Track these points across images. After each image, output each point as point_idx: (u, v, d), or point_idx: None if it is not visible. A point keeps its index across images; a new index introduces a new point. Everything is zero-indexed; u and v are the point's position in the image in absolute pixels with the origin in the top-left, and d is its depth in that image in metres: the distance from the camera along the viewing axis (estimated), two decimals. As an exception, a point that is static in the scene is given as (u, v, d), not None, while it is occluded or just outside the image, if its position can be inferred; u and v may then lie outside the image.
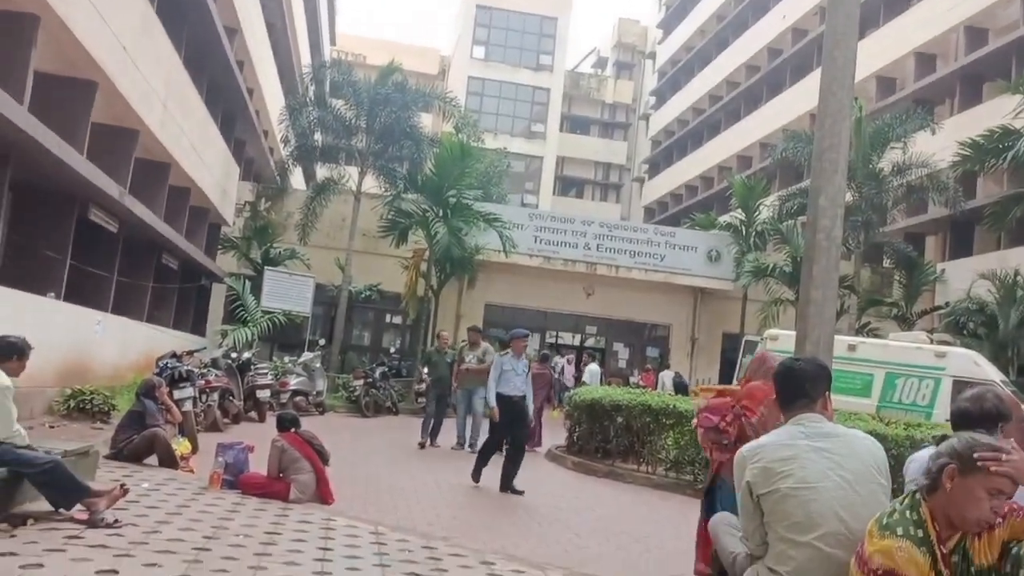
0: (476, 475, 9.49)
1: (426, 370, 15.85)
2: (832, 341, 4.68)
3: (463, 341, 14.10)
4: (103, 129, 12.66)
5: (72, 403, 10.52)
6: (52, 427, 9.72)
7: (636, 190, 50.59)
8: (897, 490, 3.38)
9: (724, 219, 26.96)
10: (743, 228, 24.85)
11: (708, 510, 4.45)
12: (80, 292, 12.56)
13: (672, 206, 43.93)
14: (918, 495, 2.54)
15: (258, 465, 7.37)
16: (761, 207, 25.14)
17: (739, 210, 25.53)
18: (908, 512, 2.51)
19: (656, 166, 47.98)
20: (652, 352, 28.00)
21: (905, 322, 22.64)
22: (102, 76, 11.44)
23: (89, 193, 11.92)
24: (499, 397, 9.48)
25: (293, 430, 7.29)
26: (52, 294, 11.24)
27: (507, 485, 9.18)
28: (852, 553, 2.84)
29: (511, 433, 9.47)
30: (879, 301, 23.55)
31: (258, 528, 5.70)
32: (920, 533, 2.46)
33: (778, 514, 3.03)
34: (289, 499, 6.78)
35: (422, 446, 12.67)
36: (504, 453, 9.58)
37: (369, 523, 6.39)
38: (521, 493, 9.11)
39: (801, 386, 3.26)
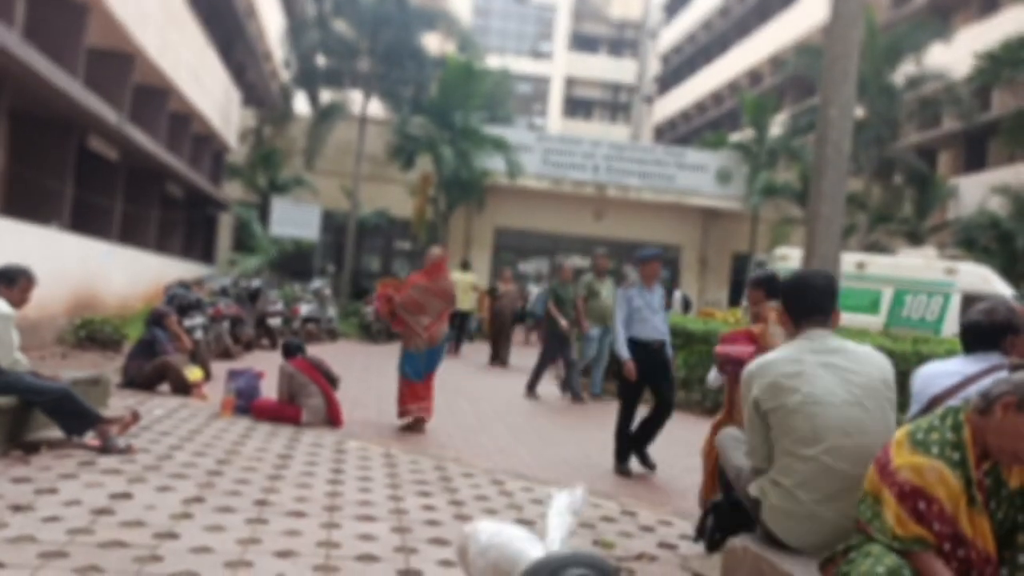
0: (628, 462, 6.99)
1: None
2: (839, 257, 4.59)
3: (586, 270, 11.74)
4: (99, 55, 12.41)
5: (83, 333, 10.59)
6: (64, 356, 9.81)
7: (646, 110, 49.68)
8: (903, 403, 3.35)
9: (735, 138, 26.53)
10: (754, 147, 24.46)
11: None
12: (85, 223, 12.52)
13: (682, 126, 43.21)
14: (961, 415, 2.47)
15: (269, 391, 7.44)
16: (772, 124, 24.68)
17: (750, 128, 25.09)
18: (948, 432, 2.44)
19: (666, 85, 46.98)
20: (663, 273, 27.90)
21: (915, 239, 22.43)
22: (94, -1, 11.16)
23: (87, 121, 11.76)
24: (632, 344, 6.95)
25: (300, 356, 7.33)
26: (55, 223, 11.20)
27: (640, 452, 7.06)
28: (858, 467, 2.82)
29: (654, 389, 7.10)
30: (889, 218, 23.29)
31: (270, 452, 5.78)
32: (956, 456, 2.40)
33: (784, 428, 3.01)
34: (300, 423, 6.85)
35: (534, 393, 11.04)
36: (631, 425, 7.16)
37: (381, 445, 6.47)
38: (653, 468, 6.98)
39: (814, 300, 3.19)
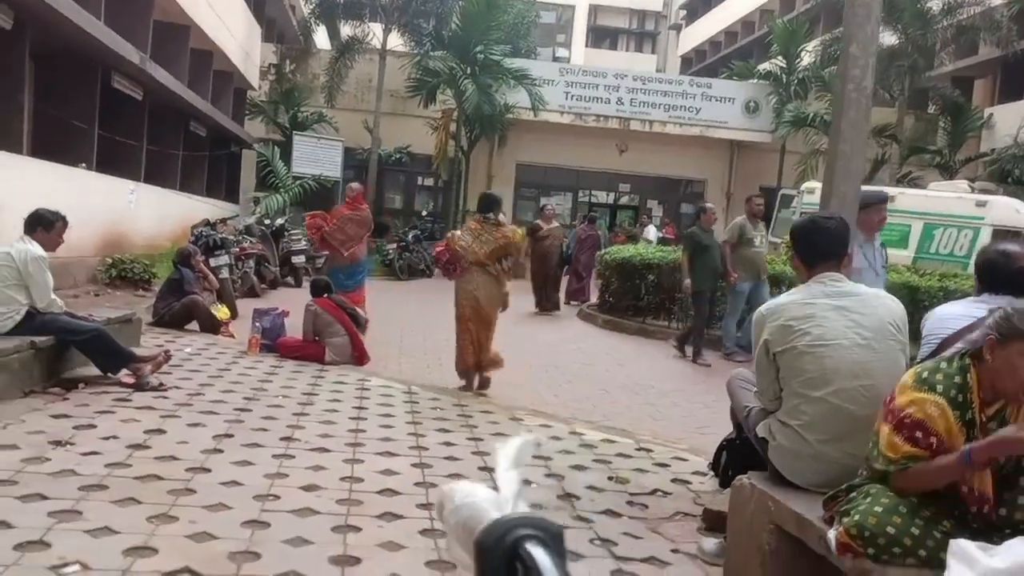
0: None
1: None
2: (859, 196, 4.58)
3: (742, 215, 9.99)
4: (118, -8, 12.36)
5: (114, 272, 10.83)
6: (97, 295, 10.07)
7: (673, 39, 48.53)
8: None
9: (764, 67, 25.91)
10: (783, 76, 23.91)
11: None
12: (111, 162, 12.65)
13: (710, 55, 42.23)
14: (967, 359, 2.52)
15: (294, 329, 7.62)
16: (803, 53, 24.07)
17: (780, 57, 24.50)
18: (955, 376, 2.50)
19: (694, 12, 45.76)
20: (687, 208, 27.71)
21: (948, 171, 22.01)
22: (111, -65, 11.07)
23: (110, 60, 11.79)
24: None
25: (326, 295, 7.48)
26: (83, 165, 11.34)
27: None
28: (865, 408, 2.90)
29: None
30: (922, 149, 22.83)
31: (296, 389, 5.97)
32: (960, 398, 2.45)
33: (793, 370, 3.08)
34: (325, 361, 7.03)
35: (687, 355, 9.76)
36: None
37: (402, 383, 6.63)
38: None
39: (825, 244, 3.22)
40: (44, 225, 5.41)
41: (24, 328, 5.17)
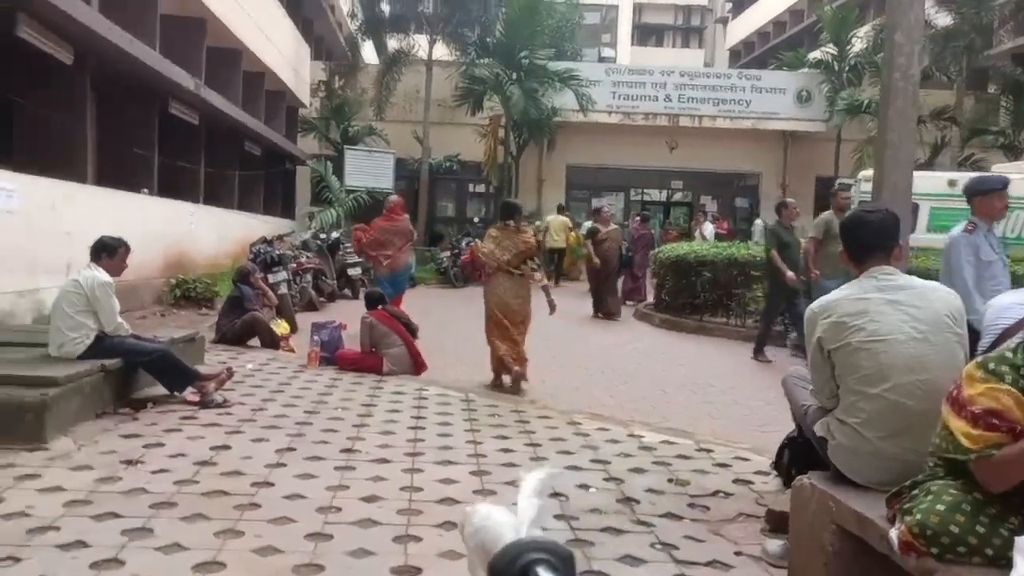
0: None
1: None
2: (910, 185, 4.46)
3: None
4: (172, 21, 12.77)
5: (178, 292, 11.16)
6: (163, 316, 10.39)
7: (720, 32, 47.95)
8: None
9: (814, 56, 25.42)
10: (835, 64, 23.42)
11: None
12: (171, 186, 13.05)
13: (759, 46, 41.58)
14: None
15: (353, 342, 7.74)
16: (854, 39, 23.54)
17: (830, 45, 24.01)
18: (1022, 367, 2.42)
19: (740, 4, 45.10)
20: (742, 203, 27.35)
21: (1012, 151, 21.26)
22: (162, -33, 11.43)
23: (167, 88, 12.16)
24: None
25: (380, 307, 7.58)
26: (145, 190, 11.72)
27: None
28: (923, 403, 2.83)
29: None
30: (983, 131, 22.10)
31: (355, 401, 6.06)
32: None
33: (849, 367, 3.02)
34: (383, 372, 7.13)
35: (762, 356, 9.48)
36: None
37: (460, 390, 6.69)
38: None
39: (871, 237, 3.16)
40: (108, 251, 5.61)
41: (94, 352, 5.36)
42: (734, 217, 27.23)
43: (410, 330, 7.51)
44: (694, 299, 12.22)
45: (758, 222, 22.45)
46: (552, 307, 7.58)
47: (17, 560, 3.07)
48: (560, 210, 20.16)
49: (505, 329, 7.26)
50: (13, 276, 7.68)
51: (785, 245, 9.29)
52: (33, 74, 9.49)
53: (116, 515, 3.54)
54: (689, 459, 4.89)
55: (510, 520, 1.23)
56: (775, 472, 4.18)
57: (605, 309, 13.16)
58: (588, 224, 17.04)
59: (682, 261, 12.31)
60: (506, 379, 7.40)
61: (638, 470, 4.60)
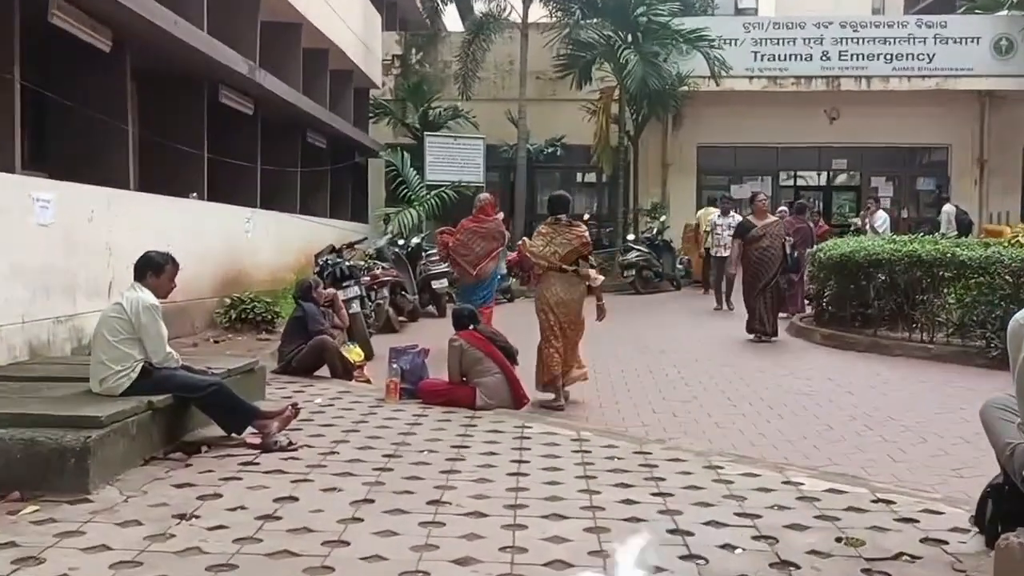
0: None
1: None
2: None
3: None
4: (220, -7, 13.32)
5: (233, 313, 11.61)
6: (217, 342, 10.83)
7: (891, -31, 46.61)
8: None
9: (1017, -7, 24.45)
10: (1047, 1, 22.48)
11: None
12: (224, 188, 13.59)
13: (942, -16, 40.24)
14: None
15: (439, 369, 7.87)
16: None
17: (1038, -23, 23.06)
18: None
19: (916, -69, 43.80)
20: (926, 184, 26.50)
21: None
22: (207, -71, 11.97)
23: (217, 73, 12.71)
24: None
25: (472, 327, 7.68)
26: (195, 194, 12.26)
27: None
28: None
29: None
30: None
31: (443, 442, 6.16)
32: None
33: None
34: (476, 406, 7.22)
35: None
36: None
37: (570, 427, 6.71)
38: None
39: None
40: (153, 269, 5.89)
41: (140, 386, 5.63)
42: (917, 202, 26.37)
43: (508, 355, 7.59)
44: (865, 309, 11.94)
45: (948, 208, 21.68)
46: (601, 312, 8.33)
47: (59, 630, 3.26)
48: (714, 204, 20.07)
49: (562, 332, 8.15)
50: (50, 300, 8.16)
51: None
52: (67, 65, 10.08)
53: (169, 579, 3.71)
54: (863, 512, 4.76)
55: None
56: (976, 528, 4.07)
57: (761, 328, 12.32)
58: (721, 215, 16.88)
59: (849, 261, 12.01)
60: (546, 395, 8.16)
61: (797, 526, 4.51)
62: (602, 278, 8.70)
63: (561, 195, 8.76)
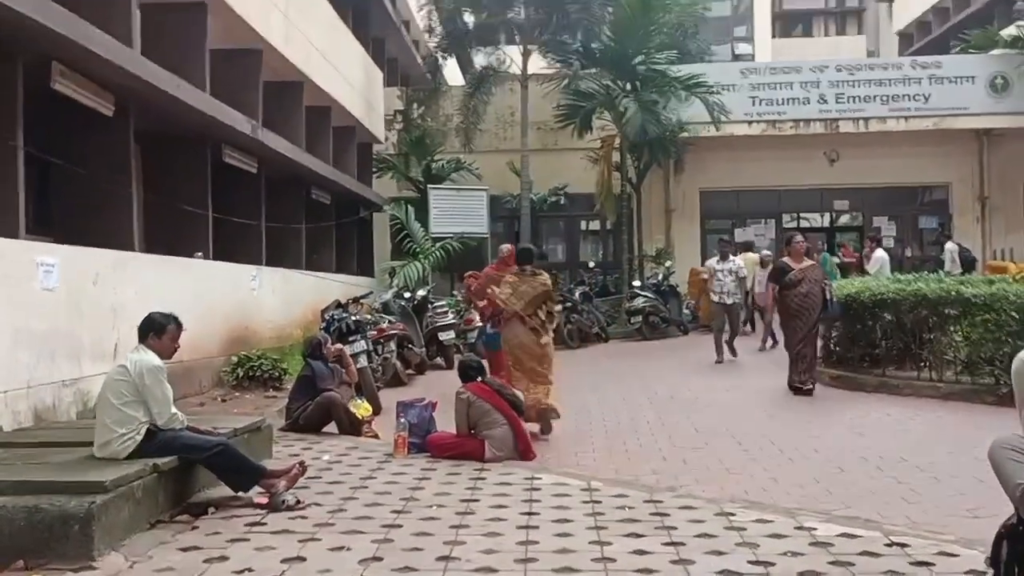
0: None
1: None
2: None
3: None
4: (222, 55, 13.46)
5: (240, 372, 11.56)
6: (224, 400, 10.78)
7: (884, 12, 47.08)
8: None
9: (1009, 32, 24.61)
10: (1039, 39, 22.64)
11: None
12: (229, 247, 13.64)
13: (936, 26, 40.49)
14: None
15: (447, 422, 7.82)
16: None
17: (1030, 16, 23.25)
18: None
19: (908, -25, 44.29)
20: (928, 223, 26.51)
21: None
22: (210, -6, 12.14)
23: (219, 133, 12.82)
24: None
25: (480, 379, 7.65)
26: (200, 254, 12.29)
27: None
28: None
29: None
30: None
31: (452, 496, 6.11)
32: None
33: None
34: (485, 458, 7.16)
35: None
36: None
37: (580, 478, 6.66)
38: None
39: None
40: (156, 330, 5.88)
41: (145, 449, 5.60)
42: (920, 239, 26.37)
43: (515, 407, 7.54)
44: (872, 349, 11.88)
45: (950, 245, 21.66)
46: (543, 357, 9.27)
47: None
48: (748, 248, 19.60)
49: (527, 367, 9.11)
50: (55, 364, 8.13)
51: None
52: (70, 129, 10.17)
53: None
54: (878, 557, 4.71)
55: None
56: (992, 570, 4.00)
57: (803, 380, 11.34)
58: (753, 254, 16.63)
59: (854, 302, 11.96)
60: (533, 426, 8.63)
61: (811, 573, 4.46)
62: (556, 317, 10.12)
63: (527, 247, 10.11)
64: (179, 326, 6.03)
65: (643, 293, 20.02)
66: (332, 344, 9.55)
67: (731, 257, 15.84)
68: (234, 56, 14.10)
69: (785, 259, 12.18)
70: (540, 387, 9.04)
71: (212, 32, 12.66)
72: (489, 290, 9.76)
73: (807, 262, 11.97)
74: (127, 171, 10.68)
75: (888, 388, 11.19)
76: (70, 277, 8.38)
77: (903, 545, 4.89)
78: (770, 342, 15.61)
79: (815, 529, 5.21)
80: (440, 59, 24.79)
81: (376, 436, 8.60)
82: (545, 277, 9.50)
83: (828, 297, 11.54)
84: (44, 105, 9.47)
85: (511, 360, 9.26)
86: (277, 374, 11.64)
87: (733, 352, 15.11)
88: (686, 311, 20.48)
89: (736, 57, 36.95)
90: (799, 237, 12.39)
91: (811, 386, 11.34)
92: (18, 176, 8.47)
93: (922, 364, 11.33)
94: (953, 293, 10.99)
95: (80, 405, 8.37)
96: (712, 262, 16.25)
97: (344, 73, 19.24)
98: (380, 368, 12.08)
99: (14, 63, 8.46)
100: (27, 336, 7.67)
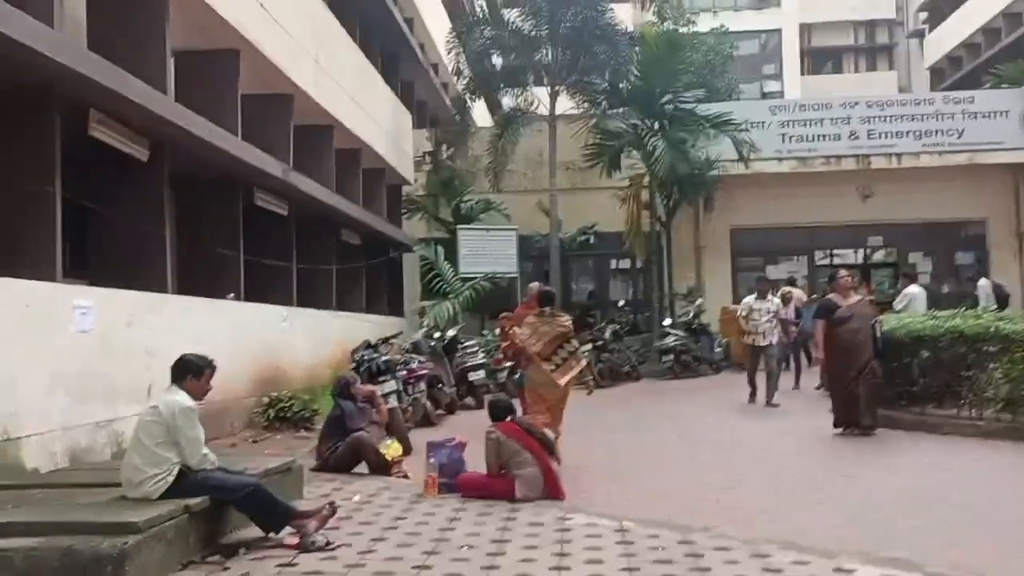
0: None
1: None
2: None
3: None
4: (254, 100, 13.68)
5: (271, 412, 11.62)
6: (255, 441, 10.82)
7: (915, 49, 47.04)
8: None
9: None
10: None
11: None
12: (260, 287, 13.75)
13: (968, 61, 40.46)
14: None
15: (477, 462, 7.80)
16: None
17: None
18: None
19: (938, 11, 44.23)
20: (964, 258, 26.24)
21: None
22: (242, 42, 12.33)
23: (251, 176, 12.99)
24: None
25: (509, 418, 7.64)
26: (232, 295, 12.40)
27: None
28: None
29: None
30: None
31: (483, 536, 6.08)
32: None
33: None
34: (515, 498, 7.12)
35: None
36: None
37: (613, 518, 6.61)
38: None
39: None
40: (193, 372, 5.95)
41: (176, 490, 5.63)
42: (956, 275, 26.09)
43: (546, 446, 7.51)
44: (910, 387, 11.74)
45: (983, 282, 21.42)
46: (555, 397, 9.62)
47: None
48: (791, 283, 19.78)
49: (545, 402, 9.57)
50: (90, 405, 8.22)
51: None
52: (106, 173, 10.34)
53: None
54: (919, 600, 4.62)
55: None
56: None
57: (858, 422, 11.04)
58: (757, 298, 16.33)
59: (891, 339, 11.83)
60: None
61: (851, 616, 4.37)
62: (582, 365, 10.15)
63: (547, 290, 10.62)
64: (212, 368, 6.09)
65: (674, 331, 19.95)
66: (362, 384, 9.58)
67: (769, 296, 14.95)
68: (265, 101, 14.32)
69: (831, 296, 11.88)
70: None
71: (244, 77, 12.87)
72: (511, 330, 10.21)
73: (855, 297, 11.72)
74: (161, 214, 10.82)
75: (927, 426, 11.05)
76: (105, 319, 8.49)
77: (945, 587, 4.81)
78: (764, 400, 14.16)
79: (855, 571, 5.14)
80: (468, 101, 24.99)
81: (406, 476, 8.57)
82: (565, 318, 10.02)
83: (877, 335, 11.27)
84: (81, 151, 9.64)
85: (530, 398, 9.76)
86: (308, 415, 11.69)
87: (769, 401, 14.00)
88: (718, 350, 20.35)
89: (765, 95, 36.96)
90: (843, 272, 12.20)
91: (869, 425, 10.98)
92: (56, 223, 8.60)
93: (961, 402, 11.18)
94: (991, 330, 10.88)
95: (115, 446, 8.43)
96: (750, 299, 15.20)
97: (374, 116, 19.46)
98: (410, 408, 12.09)
99: (52, 111, 8.62)
100: (62, 378, 7.78)
